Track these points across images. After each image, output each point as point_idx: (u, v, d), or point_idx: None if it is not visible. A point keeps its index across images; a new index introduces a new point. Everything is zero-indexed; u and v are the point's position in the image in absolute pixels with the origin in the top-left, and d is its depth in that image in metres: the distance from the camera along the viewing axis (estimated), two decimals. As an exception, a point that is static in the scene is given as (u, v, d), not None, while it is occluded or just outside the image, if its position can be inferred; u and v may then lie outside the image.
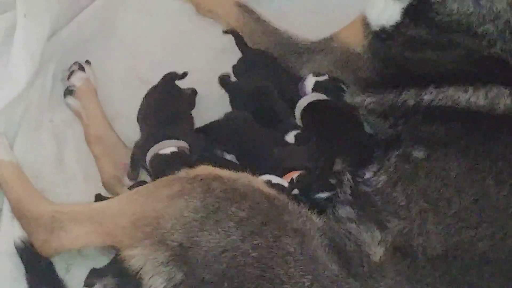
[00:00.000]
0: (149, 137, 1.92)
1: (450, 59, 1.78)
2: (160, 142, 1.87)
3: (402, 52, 1.84)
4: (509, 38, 1.73)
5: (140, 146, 1.92)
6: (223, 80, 2.12)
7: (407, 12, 1.85)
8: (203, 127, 2.01)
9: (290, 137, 1.97)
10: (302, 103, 1.97)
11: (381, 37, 1.90)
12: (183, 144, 1.90)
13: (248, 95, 2.07)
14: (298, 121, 1.99)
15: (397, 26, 1.86)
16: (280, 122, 2.01)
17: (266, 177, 1.78)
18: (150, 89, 2.05)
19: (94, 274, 1.75)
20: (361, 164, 1.80)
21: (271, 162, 1.87)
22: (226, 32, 2.23)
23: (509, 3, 1.73)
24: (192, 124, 2.02)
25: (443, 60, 1.79)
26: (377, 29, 1.90)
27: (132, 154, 1.94)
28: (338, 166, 1.81)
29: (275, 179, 1.78)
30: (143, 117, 2.00)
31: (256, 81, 2.07)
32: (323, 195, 1.80)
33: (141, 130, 1.99)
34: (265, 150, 1.92)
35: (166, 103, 2.01)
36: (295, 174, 1.83)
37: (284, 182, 1.79)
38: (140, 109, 2.03)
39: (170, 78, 2.06)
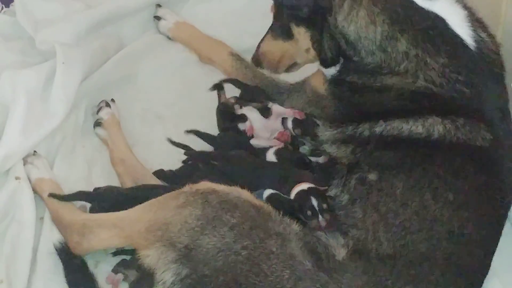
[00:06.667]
0: None
1: (389, 99, 1.78)
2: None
3: (352, 95, 1.86)
4: (425, 68, 1.73)
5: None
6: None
7: (344, 64, 1.89)
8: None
9: (270, 155, 1.98)
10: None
11: (334, 83, 1.93)
12: None
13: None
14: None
15: (340, 74, 1.90)
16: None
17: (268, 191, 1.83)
18: None
19: (122, 264, 1.79)
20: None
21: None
22: (225, 81, 2.25)
23: (410, 42, 1.74)
24: None
25: (384, 100, 1.79)
26: (330, 78, 1.95)
27: None
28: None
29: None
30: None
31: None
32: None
33: None
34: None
35: None
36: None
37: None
38: None
39: None
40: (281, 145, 2.04)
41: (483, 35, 1.82)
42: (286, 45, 2.02)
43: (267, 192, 1.83)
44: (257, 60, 2.12)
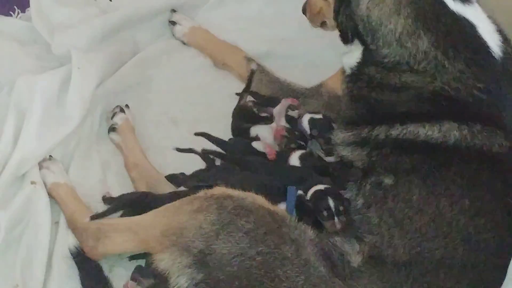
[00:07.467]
0: None
1: (406, 99, 1.75)
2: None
3: (369, 92, 1.82)
4: (443, 71, 1.71)
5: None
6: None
7: (364, 54, 1.85)
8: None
9: (294, 159, 1.96)
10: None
11: (352, 80, 1.89)
12: None
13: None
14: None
15: (359, 65, 1.86)
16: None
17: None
18: None
19: (139, 271, 1.77)
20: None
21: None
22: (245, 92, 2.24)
23: (431, 43, 1.71)
24: None
25: (401, 100, 1.76)
26: (349, 72, 1.90)
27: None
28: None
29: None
30: None
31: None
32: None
33: None
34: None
35: None
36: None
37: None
38: None
39: None
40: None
41: (510, 50, 1.80)
42: (322, 2, 2.00)
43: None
44: (304, 7, 2.11)
